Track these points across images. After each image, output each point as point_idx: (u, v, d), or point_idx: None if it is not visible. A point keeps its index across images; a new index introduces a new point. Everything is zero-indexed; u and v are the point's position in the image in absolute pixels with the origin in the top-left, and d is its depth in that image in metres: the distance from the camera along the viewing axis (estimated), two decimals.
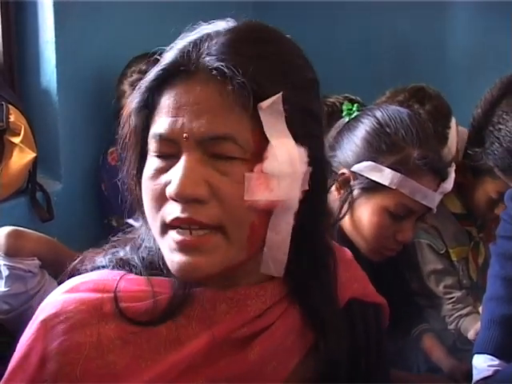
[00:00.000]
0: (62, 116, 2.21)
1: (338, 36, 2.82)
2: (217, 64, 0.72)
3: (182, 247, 0.73)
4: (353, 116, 1.46)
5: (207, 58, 0.73)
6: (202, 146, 0.72)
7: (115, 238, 0.87)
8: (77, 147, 2.28)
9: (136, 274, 0.81)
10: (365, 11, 2.72)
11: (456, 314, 1.95)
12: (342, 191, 1.38)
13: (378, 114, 1.40)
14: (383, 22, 2.71)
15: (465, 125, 2.08)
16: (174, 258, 0.74)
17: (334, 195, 1.40)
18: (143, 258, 0.82)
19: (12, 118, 2.01)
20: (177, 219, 0.72)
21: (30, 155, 2.03)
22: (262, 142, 0.73)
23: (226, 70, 0.71)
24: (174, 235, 0.73)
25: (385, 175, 1.33)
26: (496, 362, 1.33)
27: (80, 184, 2.32)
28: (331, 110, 1.73)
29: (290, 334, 0.83)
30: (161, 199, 0.74)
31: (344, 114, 1.48)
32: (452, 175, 1.39)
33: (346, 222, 1.40)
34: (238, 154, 0.72)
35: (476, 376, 1.36)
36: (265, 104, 0.72)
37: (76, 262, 0.86)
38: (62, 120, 2.21)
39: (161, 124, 0.74)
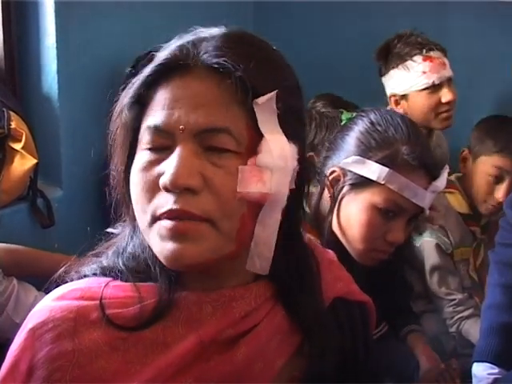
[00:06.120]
0: (63, 122, 2.21)
1: (338, 37, 2.81)
2: (216, 60, 0.75)
3: (173, 233, 0.74)
4: None
5: (205, 55, 0.76)
6: (198, 138, 0.74)
7: (98, 247, 0.89)
8: (78, 153, 2.27)
9: (121, 280, 0.82)
10: (365, 12, 2.72)
11: (457, 317, 1.95)
12: (332, 190, 1.38)
13: (372, 115, 1.40)
14: (384, 25, 2.70)
15: (465, 128, 2.09)
16: (165, 246, 0.74)
17: (325, 195, 1.40)
18: (127, 264, 0.83)
19: (13, 125, 2.01)
20: (170, 211, 0.73)
21: (31, 161, 2.03)
22: (255, 138, 0.76)
23: (226, 64, 0.74)
24: (164, 223, 0.74)
25: (372, 169, 1.32)
26: (496, 370, 1.33)
27: (81, 190, 2.32)
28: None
29: (276, 335, 0.84)
30: (153, 190, 0.75)
31: (343, 123, 1.48)
32: (444, 175, 1.37)
33: (335, 225, 1.40)
34: (233, 146, 0.75)
35: None
36: (261, 100, 0.75)
37: (61, 270, 0.87)
38: (63, 126, 2.22)
39: (156, 116, 0.76)
